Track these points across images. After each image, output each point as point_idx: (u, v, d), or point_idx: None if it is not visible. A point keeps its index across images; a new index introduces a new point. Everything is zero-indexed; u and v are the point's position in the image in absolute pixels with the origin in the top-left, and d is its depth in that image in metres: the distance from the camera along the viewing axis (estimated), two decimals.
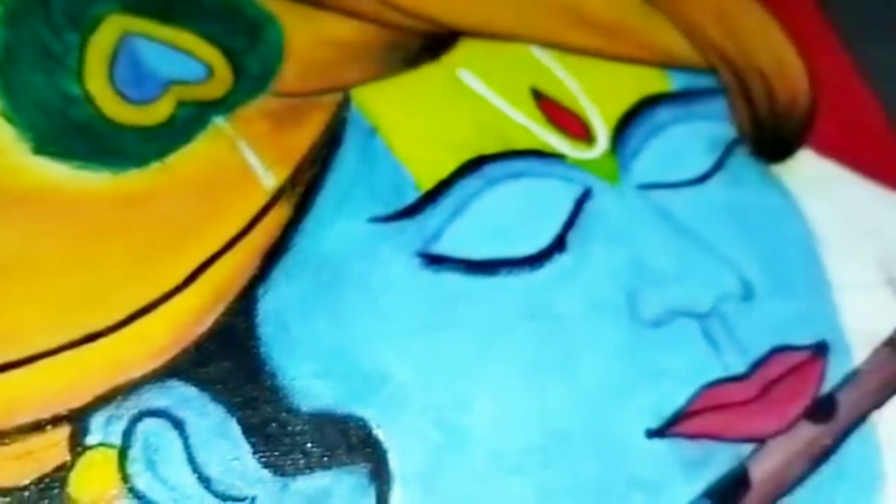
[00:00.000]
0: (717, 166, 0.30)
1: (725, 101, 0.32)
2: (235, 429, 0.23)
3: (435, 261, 0.26)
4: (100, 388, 0.22)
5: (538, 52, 0.31)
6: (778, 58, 0.34)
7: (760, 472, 0.25)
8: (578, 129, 0.29)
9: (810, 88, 0.33)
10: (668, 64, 0.32)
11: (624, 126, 0.30)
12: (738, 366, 0.26)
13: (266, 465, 0.22)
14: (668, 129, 0.30)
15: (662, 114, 0.30)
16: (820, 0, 0.36)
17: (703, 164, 0.30)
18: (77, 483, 0.22)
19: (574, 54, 0.31)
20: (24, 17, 0.27)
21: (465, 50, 0.30)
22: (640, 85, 0.31)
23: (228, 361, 0.23)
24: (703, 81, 0.32)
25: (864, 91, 0.34)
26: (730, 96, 0.32)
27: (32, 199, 0.24)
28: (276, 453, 0.23)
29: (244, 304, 0.24)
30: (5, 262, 0.24)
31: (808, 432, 0.26)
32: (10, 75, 0.26)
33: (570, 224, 0.27)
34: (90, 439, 0.22)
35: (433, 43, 0.30)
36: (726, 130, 0.31)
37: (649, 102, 0.30)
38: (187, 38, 0.28)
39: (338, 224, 0.26)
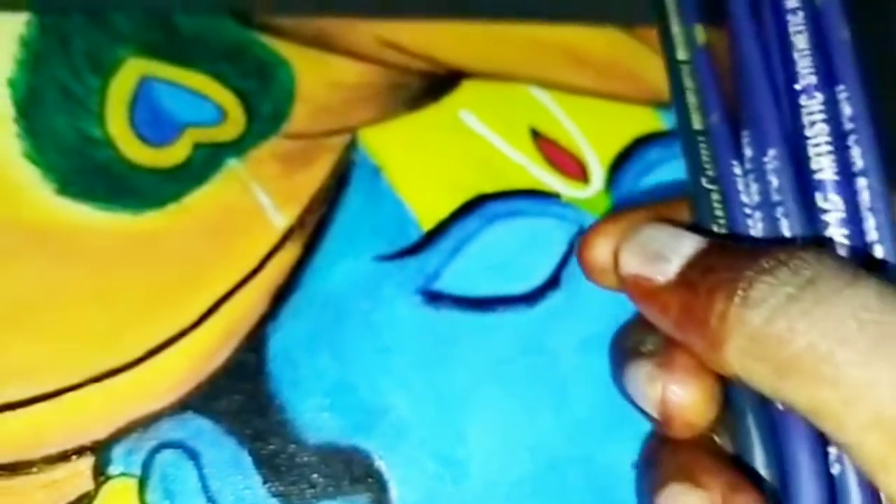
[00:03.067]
0: None
1: None
2: (247, 460, 0.24)
3: (435, 298, 0.27)
4: (121, 421, 0.24)
5: (537, 93, 0.32)
6: None
7: None
8: (575, 169, 0.31)
9: None
10: (659, 103, 0.33)
11: (618, 166, 0.31)
12: None
13: (275, 495, 0.24)
14: (658, 168, 0.31)
15: (654, 153, 0.32)
16: None
17: None
18: None
19: (571, 94, 0.32)
20: (47, 60, 0.28)
21: (466, 91, 0.31)
22: (634, 124, 0.32)
23: (240, 396, 0.25)
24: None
25: None
26: None
27: (56, 238, 0.26)
28: (285, 484, 0.24)
29: (255, 340, 0.26)
30: (31, 299, 0.25)
31: None
32: (34, 117, 0.27)
33: (564, 262, 0.29)
34: (112, 469, 0.23)
35: (436, 84, 0.31)
36: None
37: (642, 142, 0.32)
38: (202, 81, 0.29)
39: (344, 262, 0.27)
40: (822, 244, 0.18)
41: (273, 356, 0.25)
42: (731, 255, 0.17)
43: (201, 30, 0.30)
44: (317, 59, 0.31)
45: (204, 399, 0.24)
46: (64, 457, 0.23)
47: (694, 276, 0.17)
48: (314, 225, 0.28)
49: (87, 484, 0.23)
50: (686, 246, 0.18)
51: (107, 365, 0.24)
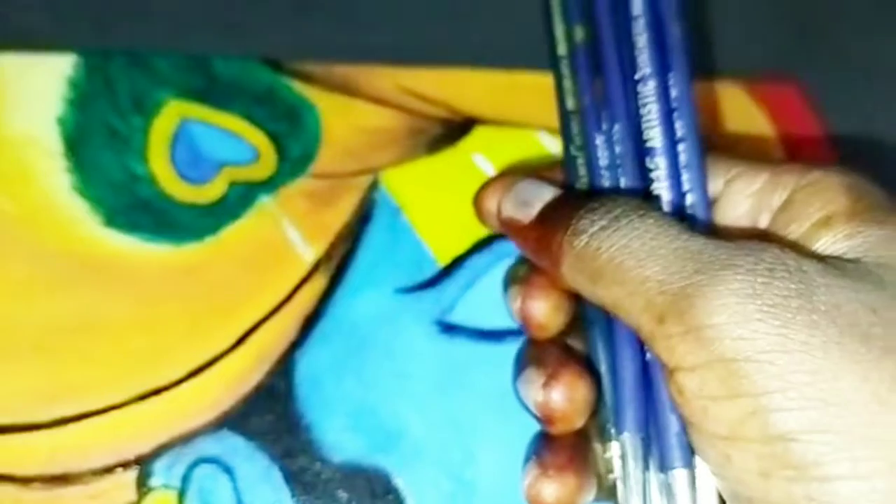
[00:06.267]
0: None
1: None
2: (277, 475, 0.26)
3: (449, 329, 0.30)
4: (162, 437, 0.26)
5: (544, 138, 0.34)
6: (760, 146, 0.37)
7: None
8: None
9: None
10: None
11: None
12: None
13: None
14: None
15: None
16: (805, 92, 0.39)
17: None
18: None
19: None
20: (93, 100, 0.31)
21: (479, 136, 0.34)
22: None
23: (271, 415, 0.27)
24: None
25: None
26: None
27: (103, 267, 0.28)
28: (312, 498, 0.26)
29: (284, 365, 0.28)
30: (80, 324, 0.27)
31: None
32: (82, 154, 0.30)
33: None
34: (153, 482, 0.25)
35: (451, 129, 0.34)
36: None
37: None
38: (237, 123, 0.31)
39: (366, 294, 0.29)
40: (649, 195, 0.23)
41: (301, 380, 0.28)
42: (572, 200, 0.23)
43: (236, 75, 0.32)
44: (342, 104, 0.33)
45: (238, 418, 0.27)
46: (109, 469, 0.25)
47: (546, 215, 0.23)
48: (339, 259, 0.30)
49: (131, 495, 0.25)
50: (546, 194, 0.24)
51: (150, 385, 0.26)
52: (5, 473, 0.25)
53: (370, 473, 0.27)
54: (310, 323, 0.29)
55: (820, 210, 0.21)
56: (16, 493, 0.25)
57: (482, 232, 0.31)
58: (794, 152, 0.37)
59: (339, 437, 0.27)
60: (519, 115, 0.35)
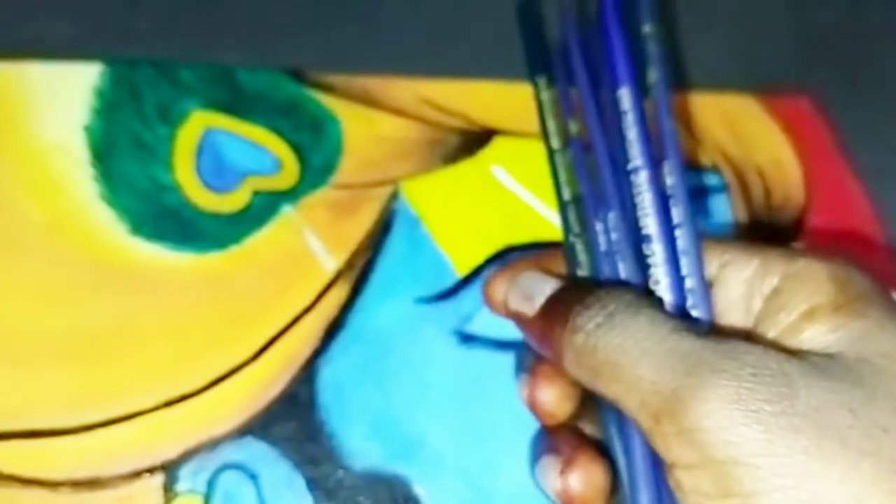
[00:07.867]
0: None
1: (727, 197, 0.36)
2: (300, 482, 0.27)
3: (468, 339, 0.30)
4: (188, 443, 0.26)
5: None
6: (775, 157, 0.38)
7: None
8: None
9: (804, 186, 0.37)
10: None
11: None
12: None
13: None
14: None
15: None
16: (818, 104, 0.40)
17: None
18: None
19: None
20: (119, 109, 0.31)
21: (498, 147, 0.34)
22: None
23: (294, 423, 0.27)
24: (710, 180, 0.36)
25: (853, 189, 0.38)
26: (730, 192, 0.36)
27: (129, 276, 0.28)
28: None
29: (307, 373, 0.28)
30: (107, 331, 0.28)
31: None
32: (109, 163, 0.30)
33: None
34: (180, 487, 0.26)
35: (470, 140, 0.34)
36: (728, 225, 0.35)
37: None
38: (261, 134, 0.32)
39: (387, 304, 0.30)
40: (648, 281, 0.24)
41: (323, 387, 0.28)
42: (571, 295, 0.23)
43: (260, 86, 0.33)
44: (363, 115, 0.33)
45: (262, 425, 0.27)
46: (137, 474, 0.26)
47: (548, 309, 0.24)
48: (360, 268, 0.30)
49: (158, 499, 0.26)
50: (547, 288, 0.24)
51: (176, 392, 0.27)
52: (34, 478, 0.25)
53: (391, 481, 0.27)
54: (332, 331, 0.29)
55: (805, 301, 0.21)
56: (45, 498, 0.25)
57: (500, 243, 0.32)
58: (808, 164, 0.38)
59: (361, 445, 0.28)
60: (537, 126, 0.35)
